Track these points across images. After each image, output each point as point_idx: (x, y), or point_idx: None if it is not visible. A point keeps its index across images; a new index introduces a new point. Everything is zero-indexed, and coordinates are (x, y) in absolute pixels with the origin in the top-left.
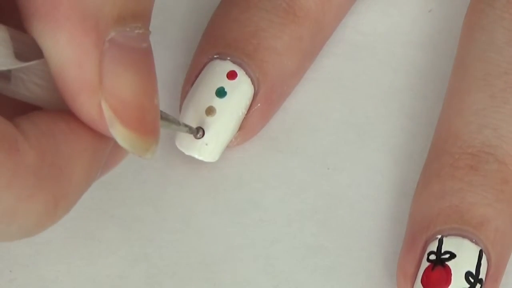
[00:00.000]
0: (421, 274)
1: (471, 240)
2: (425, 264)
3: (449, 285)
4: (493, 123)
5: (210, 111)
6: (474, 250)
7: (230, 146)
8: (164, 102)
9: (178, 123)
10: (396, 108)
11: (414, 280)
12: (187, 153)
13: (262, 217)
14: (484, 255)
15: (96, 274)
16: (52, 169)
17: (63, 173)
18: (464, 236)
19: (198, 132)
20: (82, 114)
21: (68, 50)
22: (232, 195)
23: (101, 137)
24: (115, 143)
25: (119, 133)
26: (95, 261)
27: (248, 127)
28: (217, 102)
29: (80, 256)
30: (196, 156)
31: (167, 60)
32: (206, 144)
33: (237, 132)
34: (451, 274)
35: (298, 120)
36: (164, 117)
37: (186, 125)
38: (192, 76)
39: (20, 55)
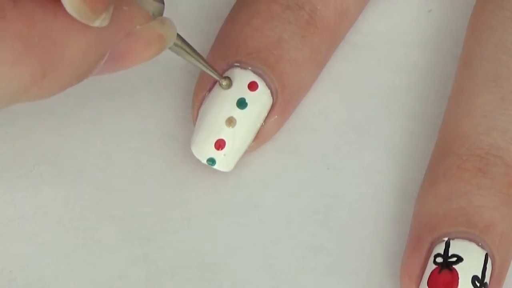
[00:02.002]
0: (427, 277)
1: (478, 244)
2: (431, 267)
3: None
4: (502, 125)
5: (230, 122)
6: (480, 254)
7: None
8: (165, 103)
9: (207, 64)
10: (396, 108)
11: (419, 282)
12: (204, 162)
13: (261, 217)
14: (489, 259)
15: (96, 275)
16: (44, 40)
17: (56, 46)
18: (471, 240)
19: (225, 80)
20: None
21: None
22: (231, 195)
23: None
24: (127, 41)
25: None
26: (94, 261)
27: (263, 136)
28: (237, 113)
29: (80, 256)
30: (214, 166)
31: (167, 61)
32: (224, 155)
33: (252, 141)
34: (458, 278)
35: (298, 120)
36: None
37: (214, 70)
38: (210, 81)
39: None
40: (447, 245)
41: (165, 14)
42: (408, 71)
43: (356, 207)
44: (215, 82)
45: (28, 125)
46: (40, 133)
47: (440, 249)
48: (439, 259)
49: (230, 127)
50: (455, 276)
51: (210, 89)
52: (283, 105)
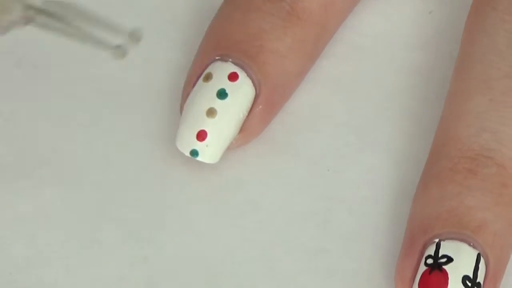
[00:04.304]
0: (419, 279)
1: (469, 244)
2: (422, 268)
3: None
4: (493, 126)
5: (210, 112)
6: (471, 254)
7: (230, 148)
8: (164, 104)
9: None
10: (396, 110)
11: (412, 284)
12: (187, 154)
13: (262, 219)
14: (482, 258)
15: (96, 277)
16: None
17: None
18: (461, 240)
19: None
20: None
21: None
22: (232, 197)
23: None
24: None
25: None
26: (94, 263)
27: (249, 129)
28: (218, 104)
29: (79, 258)
30: (197, 158)
31: (167, 62)
32: (207, 146)
33: (238, 134)
34: (448, 278)
35: (298, 121)
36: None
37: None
38: (194, 77)
39: None
40: (438, 246)
41: (164, 16)
42: (408, 72)
43: (356, 209)
44: (198, 76)
45: (28, 126)
46: (40, 135)
47: (431, 250)
48: (430, 260)
49: (211, 117)
50: (445, 276)
51: (194, 84)
52: (267, 96)
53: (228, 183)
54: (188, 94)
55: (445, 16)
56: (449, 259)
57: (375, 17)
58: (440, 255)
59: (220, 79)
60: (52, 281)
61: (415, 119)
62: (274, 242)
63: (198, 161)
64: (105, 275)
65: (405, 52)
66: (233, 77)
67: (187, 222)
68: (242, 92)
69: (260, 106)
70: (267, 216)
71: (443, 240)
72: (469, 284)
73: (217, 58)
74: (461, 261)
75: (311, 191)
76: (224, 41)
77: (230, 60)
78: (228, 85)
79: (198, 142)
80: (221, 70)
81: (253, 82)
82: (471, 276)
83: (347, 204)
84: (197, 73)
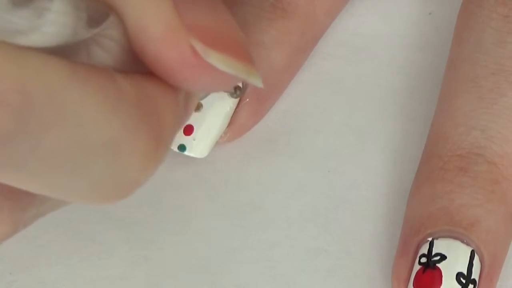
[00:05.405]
0: (413, 278)
1: (462, 241)
2: (417, 268)
3: (440, 287)
4: (482, 124)
5: (196, 106)
6: (465, 251)
7: (220, 142)
8: None
9: None
10: (397, 111)
11: (408, 284)
12: (175, 149)
13: (262, 220)
14: (476, 255)
15: (96, 276)
16: (150, 107)
17: (158, 113)
18: (455, 238)
19: (236, 91)
20: (169, 56)
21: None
22: (232, 197)
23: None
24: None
25: (217, 59)
26: (95, 263)
27: (238, 122)
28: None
29: (80, 258)
30: (185, 152)
31: None
32: (194, 140)
33: (227, 127)
34: (442, 276)
35: (299, 122)
36: None
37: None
38: None
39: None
40: (431, 244)
41: None
42: (408, 73)
43: (357, 210)
44: None
45: None
46: None
47: (425, 249)
48: (424, 259)
49: (197, 111)
50: (439, 274)
51: None
52: (254, 88)
53: (228, 183)
54: None
55: (445, 17)
56: (443, 257)
57: (375, 18)
58: (433, 253)
59: None
60: (53, 281)
61: (415, 119)
62: (274, 243)
63: (198, 161)
64: (105, 275)
65: (405, 53)
66: None
67: (187, 222)
68: None
69: (247, 99)
70: (267, 216)
71: (436, 239)
72: (464, 281)
73: None
74: (455, 258)
75: (312, 192)
76: None
77: None
78: None
79: (186, 137)
80: None
81: None
82: (465, 273)
83: (348, 205)
84: None
